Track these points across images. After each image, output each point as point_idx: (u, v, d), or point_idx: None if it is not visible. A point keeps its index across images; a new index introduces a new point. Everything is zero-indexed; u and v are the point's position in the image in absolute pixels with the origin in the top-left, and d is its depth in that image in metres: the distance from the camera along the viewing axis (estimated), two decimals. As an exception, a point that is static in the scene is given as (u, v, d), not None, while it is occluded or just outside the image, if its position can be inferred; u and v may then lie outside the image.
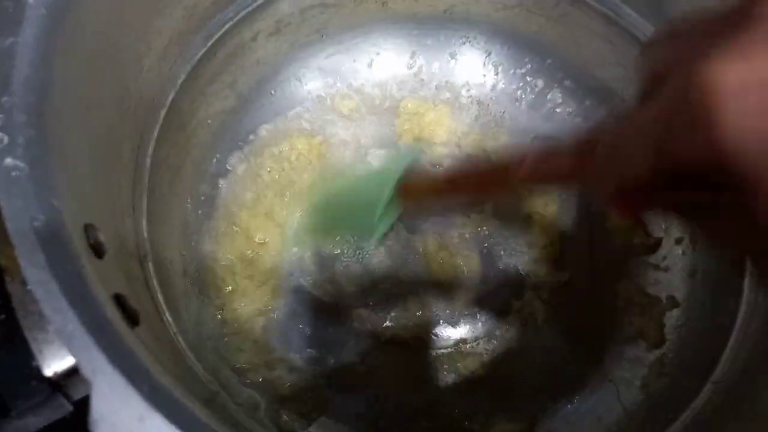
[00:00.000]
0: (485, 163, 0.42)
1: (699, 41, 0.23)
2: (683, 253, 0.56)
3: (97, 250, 0.32)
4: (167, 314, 0.42)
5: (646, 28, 0.55)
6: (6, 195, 0.28)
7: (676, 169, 0.23)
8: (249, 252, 0.56)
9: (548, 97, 0.64)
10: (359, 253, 0.58)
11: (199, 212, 0.56)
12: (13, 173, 0.28)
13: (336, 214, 0.57)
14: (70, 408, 0.29)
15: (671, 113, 0.23)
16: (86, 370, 0.24)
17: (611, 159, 0.27)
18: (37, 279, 0.26)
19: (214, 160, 0.58)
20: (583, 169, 0.30)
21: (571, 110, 0.64)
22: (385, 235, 0.55)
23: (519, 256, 0.59)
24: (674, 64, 0.24)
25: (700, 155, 0.21)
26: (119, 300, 0.31)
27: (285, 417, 0.50)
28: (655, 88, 0.25)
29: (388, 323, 0.56)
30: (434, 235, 0.59)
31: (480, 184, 0.43)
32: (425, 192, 0.49)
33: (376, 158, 0.61)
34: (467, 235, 0.59)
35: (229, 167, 0.59)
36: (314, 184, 0.59)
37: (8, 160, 0.28)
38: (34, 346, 0.27)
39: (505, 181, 0.38)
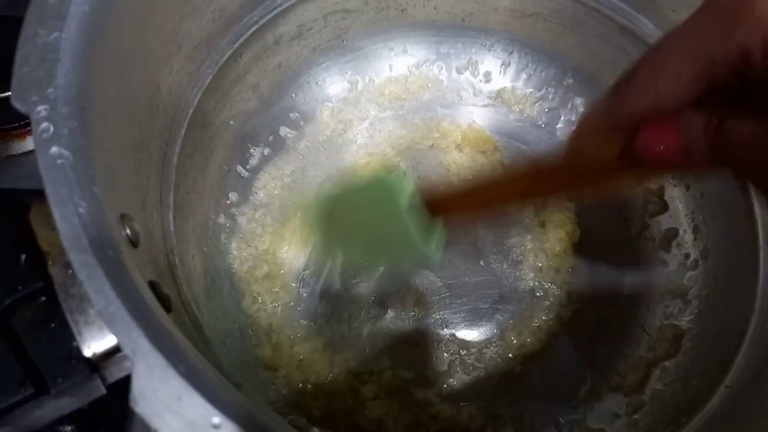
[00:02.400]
0: (526, 162, 0.39)
1: None
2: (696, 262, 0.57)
3: (133, 240, 0.33)
4: (192, 306, 0.43)
5: (659, 37, 0.56)
6: (52, 182, 0.29)
7: (718, 71, 0.25)
8: (268, 252, 0.58)
9: (564, 105, 0.66)
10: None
11: (221, 211, 0.57)
12: (59, 161, 0.29)
13: (368, 248, 0.48)
14: (104, 391, 0.30)
15: (708, 22, 0.25)
16: (127, 350, 0.25)
17: (651, 82, 0.27)
18: (81, 262, 0.27)
19: (236, 159, 0.59)
20: (624, 108, 0.29)
21: (585, 119, 0.65)
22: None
23: (534, 263, 0.60)
24: None
25: (739, 46, 0.24)
26: (154, 287, 0.32)
27: (293, 414, 0.51)
28: None
29: (400, 325, 0.57)
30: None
31: (527, 186, 0.38)
32: (462, 204, 0.43)
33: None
34: (483, 240, 0.61)
35: (249, 167, 0.60)
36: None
37: (54, 149, 0.29)
38: (74, 328, 0.28)
39: (555, 172, 0.36)
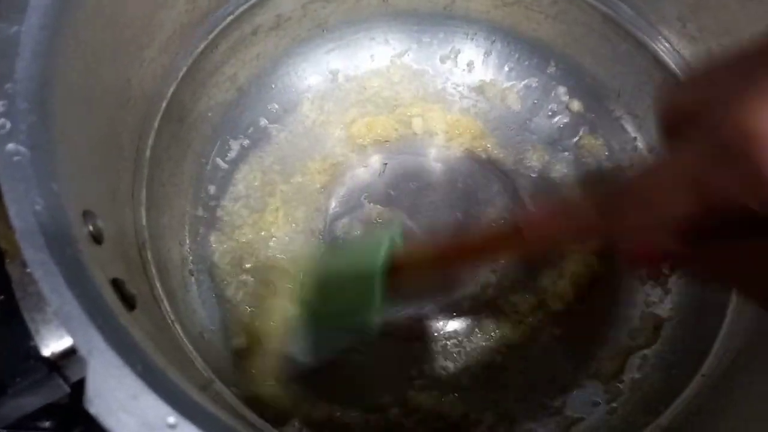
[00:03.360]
0: (490, 228, 0.40)
1: (733, 81, 0.23)
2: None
3: (96, 236, 0.33)
4: (165, 302, 0.42)
5: (641, 25, 0.56)
6: (8, 179, 0.28)
7: (714, 210, 0.23)
8: (248, 245, 0.57)
9: (547, 94, 0.65)
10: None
11: (199, 204, 0.57)
12: (15, 158, 0.29)
13: (328, 307, 0.50)
14: (67, 389, 0.30)
15: (709, 153, 0.23)
16: (82, 349, 0.25)
17: (642, 206, 0.26)
18: (36, 260, 0.26)
19: (215, 152, 0.59)
20: (605, 221, 0.29)
21: (567, 107, 0.64)
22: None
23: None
24: (709, 104, 0.24)
25: (742, 194, 0.22)
26: (117, 284, 0.32)
27: (272, 407, 0.51)
28: (685, 128, 0.25)
29: (389, 316, 0.57)
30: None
31: (487, 249, 0.40)
32: (421, 267, 0.44)
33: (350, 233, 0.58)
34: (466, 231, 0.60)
35: (229, 159, 0.60)
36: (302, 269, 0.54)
37: (10, 146, 0.29)
38: (32, 327, 0.28)
39: (515, 243, 0.36)
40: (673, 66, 0.55)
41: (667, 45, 0.55)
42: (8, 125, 0.30)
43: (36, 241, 0.27)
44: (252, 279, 0.56)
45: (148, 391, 0.25)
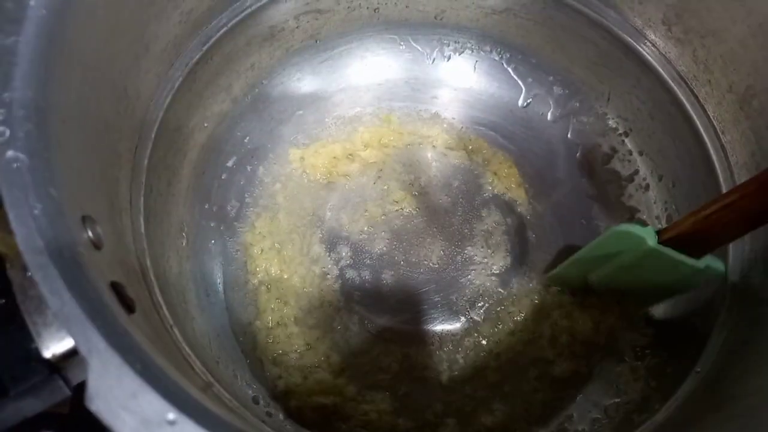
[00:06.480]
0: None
1: None
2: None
3: (95, 242, 0.33)
4: (164, 308, 0.43)
5: (627, 29, 0.57)
6: (7, 186, 0.29)
7: None
8: (246, 252, 0.58)
9: (539, 98, 0.66)
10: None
11: (196, 213, 0.57)
12: (14, 165, 0.29)
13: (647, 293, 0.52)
14: (68, 392, 0.30)
15: None
16: (82, 349, 0.25)
17: None
18: (36, 263, 0.27)
19: (212, 161, 0.59)
20: None
21: (557, 112, 0.65)
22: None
23: (508, 258, 0.60)
24: None
25: None
26: (116, 288, 0.32)
27: (276, 412, 0.51)
28: None
29: (380, 322, 0.57)
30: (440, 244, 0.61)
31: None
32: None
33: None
34: (460, 235, 0.61)
35: (226, 169, 0.60)
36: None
37: (9, 153, 0.29)
38: (33, 329, 0.28)
39: None
40: (660, 69, 0.56)
41: (653, 49, 0.56)
42: (7, 133, 0.30)
43: (36, 244, 0.27)
44: (252, 287, 0.56)
45: (147, 389, 0.25)
